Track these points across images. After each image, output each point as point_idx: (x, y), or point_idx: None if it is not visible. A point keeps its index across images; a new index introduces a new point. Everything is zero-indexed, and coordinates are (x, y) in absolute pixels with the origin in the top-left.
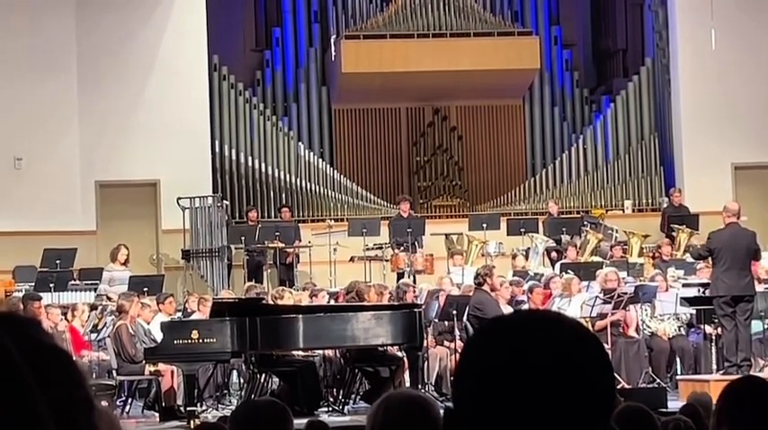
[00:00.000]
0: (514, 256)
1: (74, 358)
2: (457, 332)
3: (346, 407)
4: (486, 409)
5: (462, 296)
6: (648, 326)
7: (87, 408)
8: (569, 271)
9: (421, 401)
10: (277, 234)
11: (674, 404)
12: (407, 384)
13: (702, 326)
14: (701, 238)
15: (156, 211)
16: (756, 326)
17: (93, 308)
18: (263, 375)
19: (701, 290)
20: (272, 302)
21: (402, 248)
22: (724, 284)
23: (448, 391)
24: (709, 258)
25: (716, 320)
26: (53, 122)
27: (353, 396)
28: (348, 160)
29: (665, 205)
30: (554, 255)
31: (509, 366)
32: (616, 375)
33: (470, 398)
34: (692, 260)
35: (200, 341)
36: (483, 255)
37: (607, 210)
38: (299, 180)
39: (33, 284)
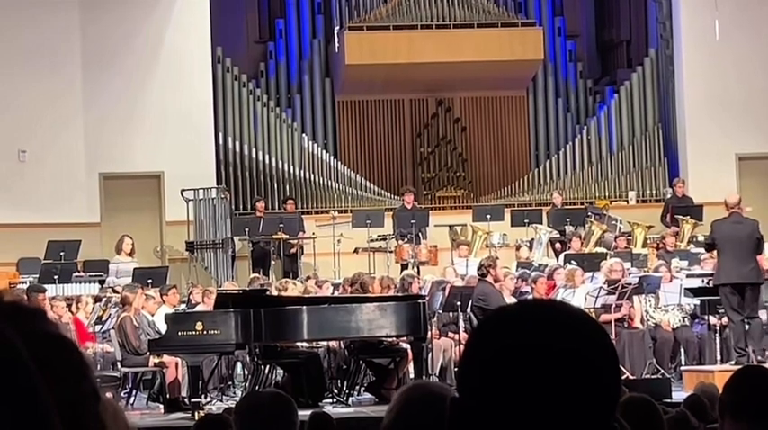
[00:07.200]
0: (518, 247)
1: (79, 348)
2: (461, 323)
3: (350, 398)
4: (491, 398)
5: (466, 287)
6: (652, 317)
7: (93, 399)
8: (573, 262)
9: (444, 395)
10: (281, 225)
11: (679, 395)
12: (411, 375)
13: (706, 317)
14: (705, 229)
15: (160, 203)
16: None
17: (97, 299)
18: (268, 367)
19: (705, 280)
20: (275, 294)
21: (406, 240)
22: (726, 273)
23: (452, 383)
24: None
25: (720, 311)
26: (57, 115)
27: (358, 387)
28: (352, 152)
29: (668, 196)
30: (558, 246)
31: (513, 355)
32: (620, 366)
33: (475, 386)
34: (696, 251)
35: (205, 332)
36: (487, 247)
37: (611, 201)
38: (302, 172)
39: (37, 276)
